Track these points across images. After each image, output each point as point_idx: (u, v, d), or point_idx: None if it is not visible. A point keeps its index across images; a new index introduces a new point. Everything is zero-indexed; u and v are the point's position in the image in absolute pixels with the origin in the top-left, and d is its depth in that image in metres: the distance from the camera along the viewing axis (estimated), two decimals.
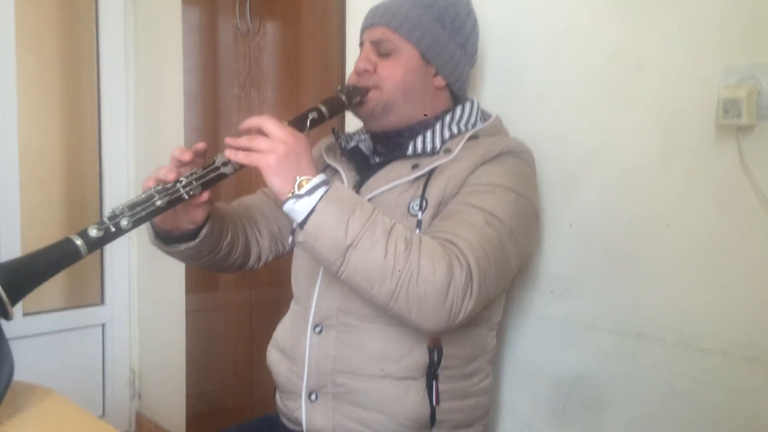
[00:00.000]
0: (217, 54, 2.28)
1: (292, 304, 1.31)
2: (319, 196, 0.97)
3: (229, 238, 1.25)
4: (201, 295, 2.43)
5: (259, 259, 1.36)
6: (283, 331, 1.30)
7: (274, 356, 1.29)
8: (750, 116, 1.02)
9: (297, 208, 0.98)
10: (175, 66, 2.51)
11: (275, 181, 0.98)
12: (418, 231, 1.10)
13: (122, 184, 2.81)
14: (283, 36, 2.01)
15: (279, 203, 1.01)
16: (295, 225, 1.01)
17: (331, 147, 1.32)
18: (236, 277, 2.22)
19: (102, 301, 2.82)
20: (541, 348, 1.37)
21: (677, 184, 1.14)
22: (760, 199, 1.04)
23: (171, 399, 2.63)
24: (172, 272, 2.51)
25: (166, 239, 1.18)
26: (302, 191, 0.97)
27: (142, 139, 2.81)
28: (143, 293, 2.85)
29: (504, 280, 1.12)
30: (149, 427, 2.81)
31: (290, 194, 0.97)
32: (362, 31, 1.27)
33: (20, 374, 0.95)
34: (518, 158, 1.17)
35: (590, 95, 1.26)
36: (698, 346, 1.12)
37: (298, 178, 0.97)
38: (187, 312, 2.46)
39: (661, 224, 1.16)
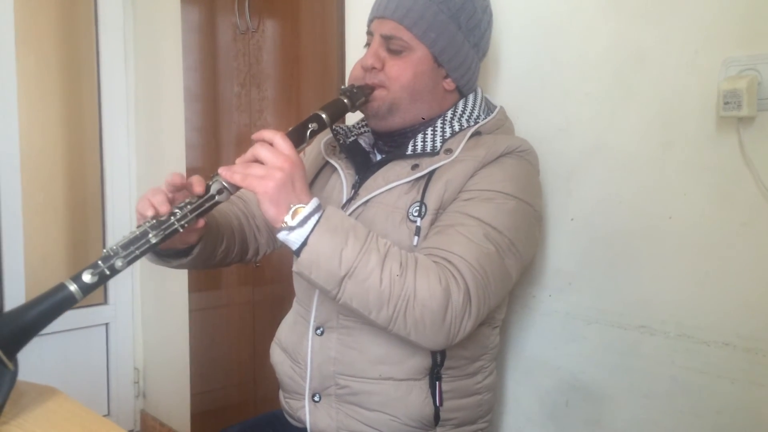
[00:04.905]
0: (217, 53, 2.28)
1: (294, 303, 1.30)
2: (311, 227, 0.96)
3: (223, 246, 1.23)
4: (204, 293, 2.43)
5: (257, 253, 1.35)
6: (285, 331, 1.29)
7: (277, 355, 1.29)
8: (750, 107, 1.01)
9: (291, 239, 0.97)
10: (174, 65, 2.51)
11: (270, 209, 0.96)
12: (417, 238, 1.08)
13: (124, 183, 2.82)
14: (282, 33, 2.00)
15: (273, 231, 1.00)
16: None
17: (331, 142, 1.29)
18: (239, 276, 2.23)
19: (105, 301, 2.84)
20: (543, 343, 1.37)
21: (678, 176, 1.14)
22: (761, 190, 1.03)
23: (175, 397, 2.64)
24: (175, 271, 2.51)
25: (159, 255, 1.17)
26: (295, 222, 0.95)
27: (143, 139, 2.81)
28: (146, 292, 2.86)
29: (504, 292, 1.10)
30: (154, 426, 2.82)
31: (283, 224, 0.96)
32: (371, 20, 1.20)
33: (24, 374, 0.95)
34: (520, 158, 1.13)
35: (590, 88, 1.26)
36: (701, 337, 1.12)
37: (292, 206, 0.96)
38: (191, 311, 2.47)
39: (663, 216, 1.16)
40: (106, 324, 2.82)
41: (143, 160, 2.82)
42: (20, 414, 0.93)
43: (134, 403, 2.92)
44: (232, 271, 2.23)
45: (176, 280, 2.55)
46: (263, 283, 2.13)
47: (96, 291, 2.86)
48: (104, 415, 2.77)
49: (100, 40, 2.75)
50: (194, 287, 2.45)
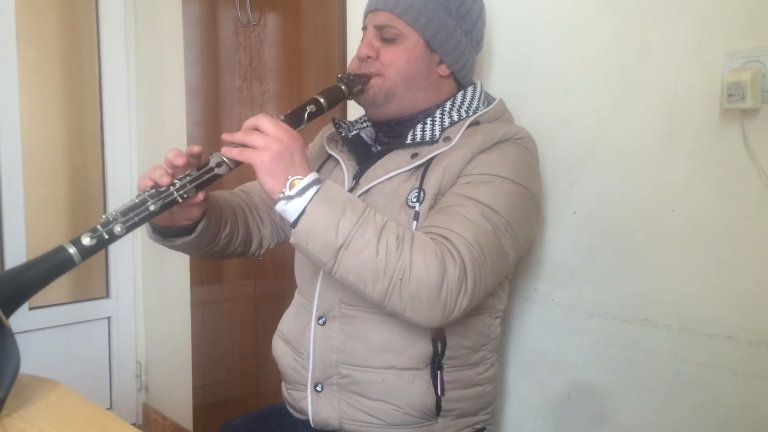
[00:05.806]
0: (218, 46, 2.28)
1: (296, 295, 1.31)
2: (309, 197, 0.97)
3: (227, 230, 1.25)
4: (206, 287, 2.43)
5: (260, 246, 1.36)
6: (287, 322, 1.30)
7: (279, 347, 1.29)
8: (754, 100, 1.01)
9: (288, 209, 0.98)
10: (175, 59, 2.50)
11: (267, 180, 0.98)
12: (415, 223, 1.09)
13: (125, 177, 2.82)
14: (283, 27, 2.00)
15: (271, 203, 1.00)
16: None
17: (333, 136, 1.31)
18: (241, 269, 2.23)
19: (107, 295, 2.84)
20: (546, 335, 1.37)
21: (681, 168, 1.14)
22: (765, 183, 1.03)
23: (177, 391, 2.65)
24: (177, 265, 2.52)
25: (163, 233, 1.18)
26: (293, 192, 0.97)
27: (144, 132, 2.81)
28: (148, 286, 2.86)
29: (501, 272, 1.10)
30: (156, 419, 2.83)
31: (281, 194, 0.97)
32: (365, 15, 1.24)
33: (27, 367, 0.95)
34: (518, 145, 1.14)
35: (593, 80, 1.26)
36: (703, 330, 1.12)
37: (290, 177, 0.97)
38: (192, 304, 2.47)
39: (666, 209, 1.16)
40: (108, 317, 2.82)
41: (144, 154, 2.82)
42: (22, 407, 0.93)
43: (136, 396, 2.92)
44: (234, 265, 2.24)
45: (178, 274, 2.55)
46: (265, 277, 2.13)
47: (98, 285, 2.84)
48: (106, 409, 2.78)
49: (101, 34, 2.74)
50: (196, 281, 2.45)
